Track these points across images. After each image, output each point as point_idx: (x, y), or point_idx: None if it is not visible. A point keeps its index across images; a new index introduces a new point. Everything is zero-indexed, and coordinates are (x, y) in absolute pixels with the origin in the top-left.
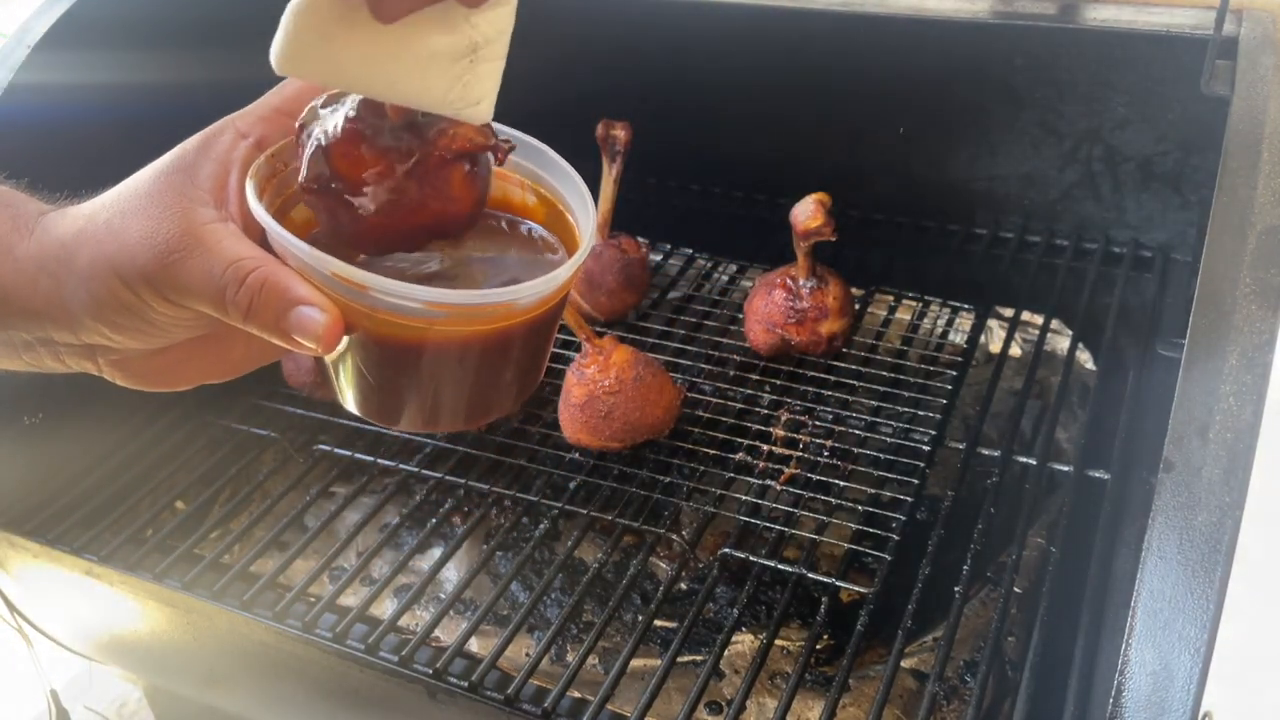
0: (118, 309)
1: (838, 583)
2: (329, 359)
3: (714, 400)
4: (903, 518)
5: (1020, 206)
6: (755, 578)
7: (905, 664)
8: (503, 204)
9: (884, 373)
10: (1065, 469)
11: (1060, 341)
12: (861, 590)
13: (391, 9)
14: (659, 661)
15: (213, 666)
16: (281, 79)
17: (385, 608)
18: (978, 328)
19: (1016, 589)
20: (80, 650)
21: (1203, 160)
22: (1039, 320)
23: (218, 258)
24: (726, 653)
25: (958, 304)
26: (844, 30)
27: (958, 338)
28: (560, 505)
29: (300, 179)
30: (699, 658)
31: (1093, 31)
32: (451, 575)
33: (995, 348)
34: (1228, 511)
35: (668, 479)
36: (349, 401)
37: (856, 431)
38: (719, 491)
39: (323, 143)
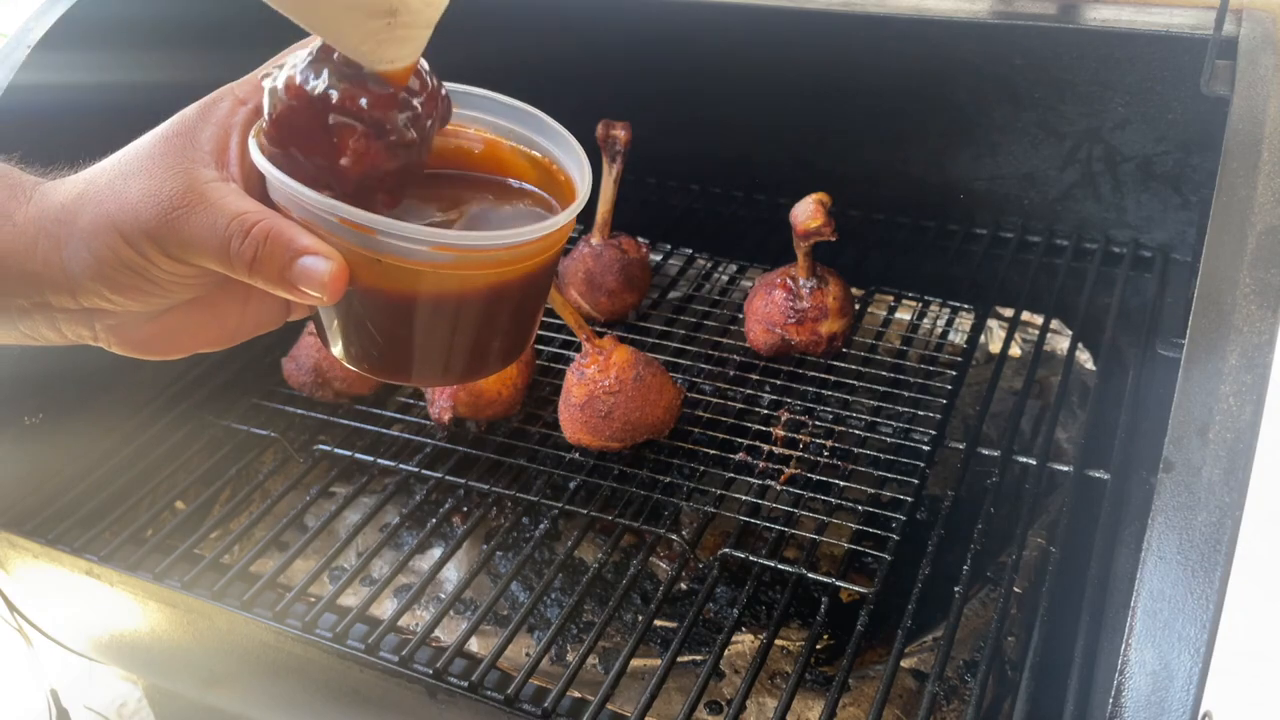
0: (119, 266)
1: (838, 583)
2: (329, 310)
3: (714, 400)
4: (903, 518)
5: (1020, 206)
6: (755, 578)
7: (905, 664)
8: (496, 167)
9: (884, 373)
10: (1065, 469)
11: (1060, 341)
12: (861, 590)
13: None
14: (659, 661)
15: (213, 666)
16: (277, 52)
17: (385, 608)
18: (978, 328)
19: (1016, 589)
20: (80, 650)
21: (1203, 160)
22: (1039, 320)
23: (221, 212)
24: (726, 653)
25: (958, 304)
26: (844, 30)
27: (958, 338)
28: (560, 505)
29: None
30: (699, 658)
31: (1093, 31)
32: (451, 575)
33: (995, 348)
34: (1228, 511)
35: (668, 479)
36: (346, 354)
37: (856, 431)
38: (719, 491)
39: (276, 78)
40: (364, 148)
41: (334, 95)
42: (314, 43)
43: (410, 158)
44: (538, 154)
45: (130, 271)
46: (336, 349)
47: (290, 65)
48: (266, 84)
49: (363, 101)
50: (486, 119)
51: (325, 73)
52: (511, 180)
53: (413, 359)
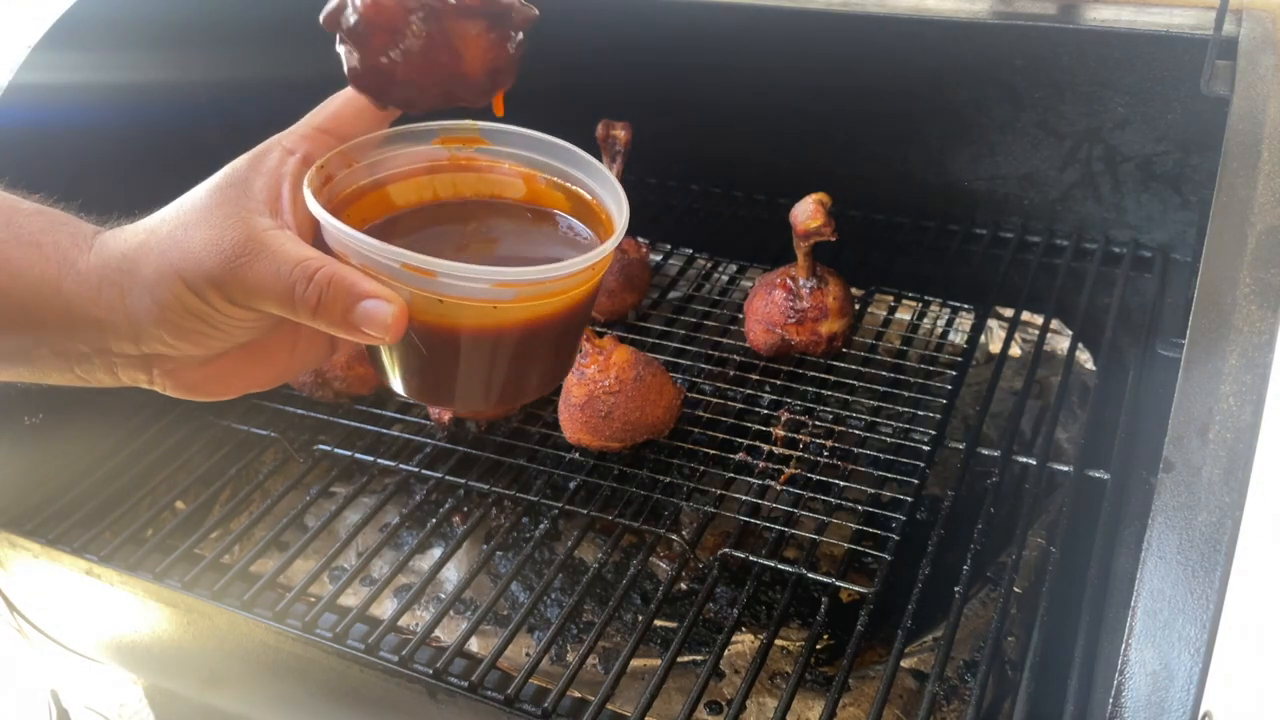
0: (183, 312)
1: (838, 583)
2: (386, 346)
3: (714, 400)
4: (903, 518)
5: (1020, 206)
6: (755, 578)
7: (905, 664)
8: (533, 199)
9: (884, 373)
10: (1065, 469)
11: (1060, 341)
12: (861, 590)
13: None
14: (659, 661)
15: (213, 666)
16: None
17: (385, 608)
18: (978, 328)
19: (1016, 589)
20: (80, 650)
21: (1202, 160)
22: (1039, 320)
23: (284, 259)
24: (726, 653)
25: (958, 304)
26: (844, 30)
27: (958, 338)
28: (560, 505)
29: (329, 20)
30: (699, 658)
31: (1093, 31)
32: (451, 575)
33: (995, 348)
34: (1228, 511)
35: (668, 479)
36: (404, 387)
37: (856, 431)
38: (719, 491)
39: (348, 15)
40: (489, 44)
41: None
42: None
43: (519, 55)
44: (571, 186)
45: (193, 317)
46: (394, 382)
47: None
48: (345, 21)
49: None
50: (521, 154)
51: None
52: (550, 211)
53: (469, 388)
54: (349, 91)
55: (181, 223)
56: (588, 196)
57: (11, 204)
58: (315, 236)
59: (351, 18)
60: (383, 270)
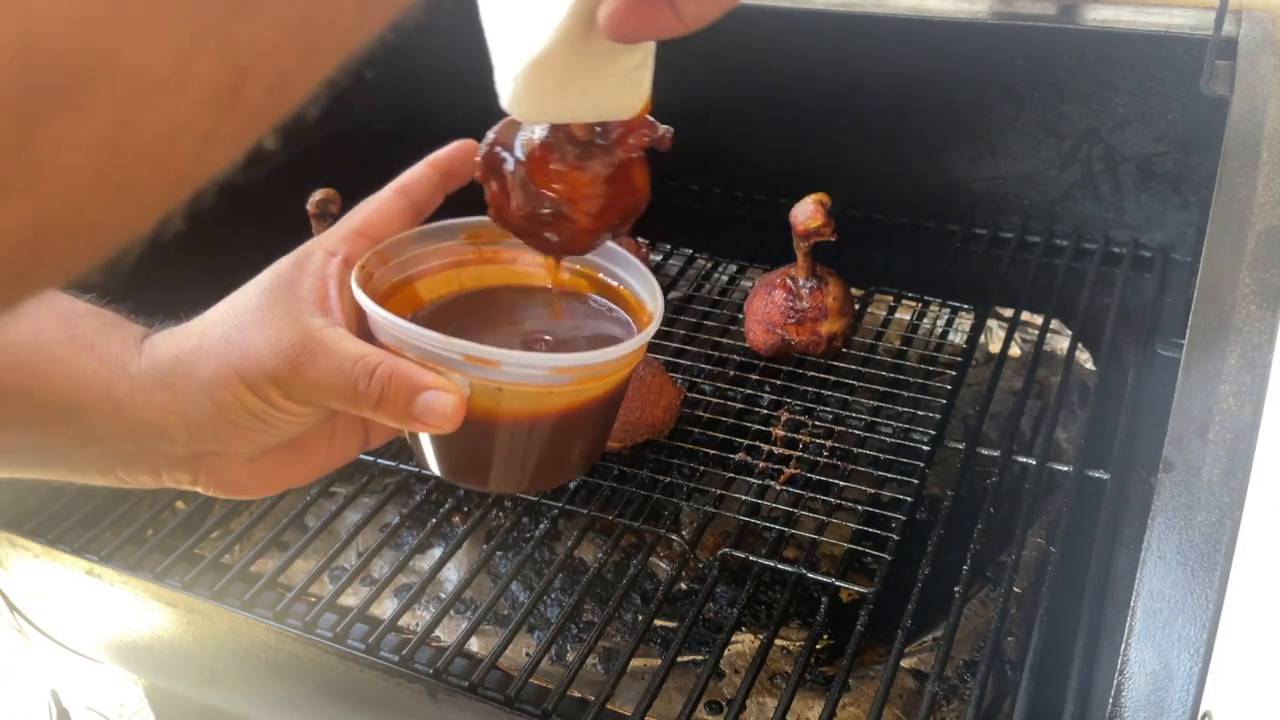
0: (241, 412)
1: (838, 583)
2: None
3: (714, 400)
4: (903, 518)
5: (1020, 206)
6: (755, 578)
7: (905, 664)
8: (557, 285)
9: (884, 373)
10: (1065, 469)
11: (1060, 341)
12: (861, 590)
13: (631, 34)
14: (659, 661)
15: (213, 666)
16: (353, 205)
17: (385, 608)
18: (977, 328)
19: (1016, 589)
20: (80, 650)
21: (1202, 160)
22: (1039, 320)
23: (344, 356)
24: (726, 653)
25: (957, 304)
26: (844, 30)
27: (957, 338)
28: (560, 505)
29: (515, 208)
30: (699, 658)
31: (1093, 31)
32: (451, 575)
33: (995, 348)
34: (1227, 511)
35: (668, 479)
36: (451, 471)
37: (856, 431)
38: (719, 491)
39: (524, 174)
40: (644, 176)
41: (615, 138)
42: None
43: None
44: (597, 272)
45: (251, 416)
46: (440, 468)
47: (527, 144)
48: (505, 169)
49: (645, 134)
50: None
51: (579, 143)
52: (584, 295)
53: (508, 469)
54: (381, 196)
55: (236, 324)
56: (613, 282)
57: (69, 305)
58: (365, 333)
59: (528, 198)
60: (441, 361)
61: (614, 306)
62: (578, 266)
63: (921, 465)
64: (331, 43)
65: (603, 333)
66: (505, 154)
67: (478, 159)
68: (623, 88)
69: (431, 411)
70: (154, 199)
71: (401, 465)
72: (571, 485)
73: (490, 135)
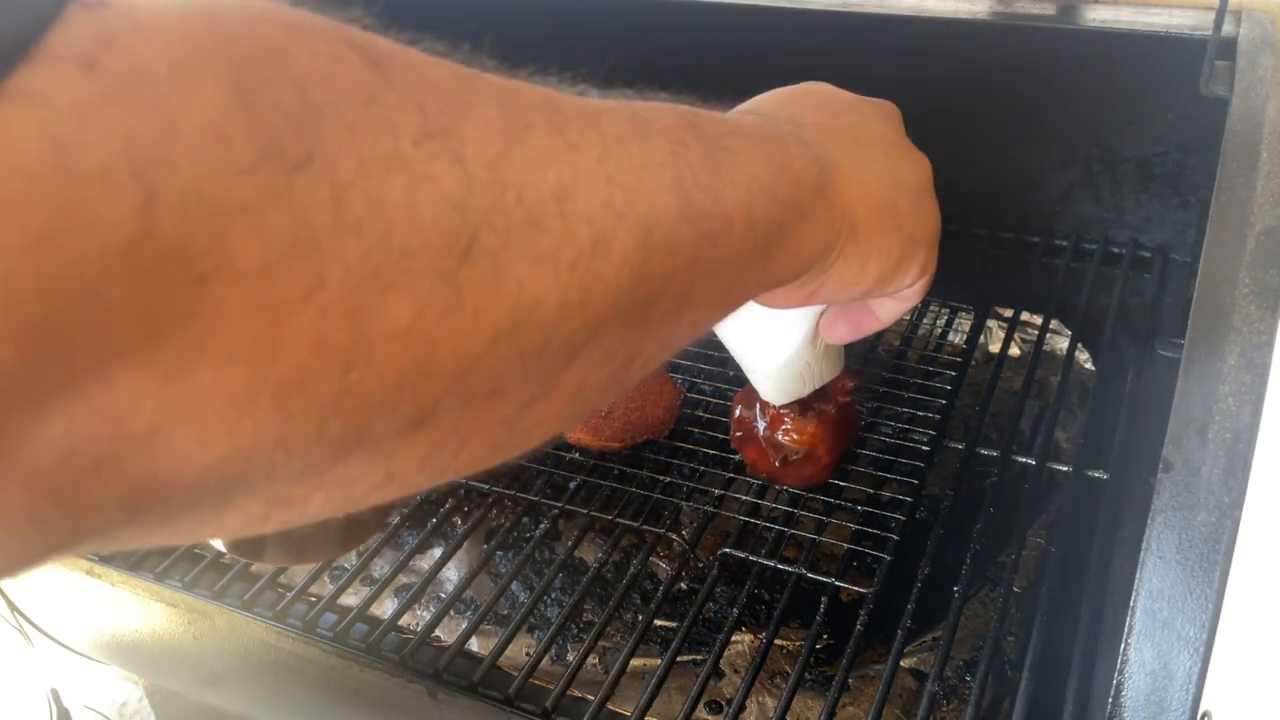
0: None
1: (837, 582)
2: None
3: (714, 400)
4: (902, 518)
5: (1019, 206)
6: (755, 577)
7: (905, 663)
8: None
9: (883, 373)
10: (1064, 469)
11: (1060, 341)
12: (861, 590)
13: (847, 339)
14: (659, 661)
15: (213, 666)
16: None
17: (386, 607)
18: (977, 328)
19: (1016, 589)
20: (80, 650)
21: (1202, 161)
22: (1038, 320)
23: None
24: (726, 652)
25: (957, 304)
26: (844, 30)
27: (957, 338)
28: (560, 505)
29: (774, 461)
30: (699, 657)
31: (1093, 31)
32: (452, 575)
33: (995, 348)
34: (1227, 511)
35: (668, 479)
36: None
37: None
38: (719, 491)
39: (772, 435)
40: (854, 411)
41: (830, 393)
42: None
43: None
44: None
45: None
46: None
47: (766, 410)
48: (757, 434)
49: (849, 385)
50: None
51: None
52: None
53: None
54: None
55: None
56: None
57: None
58: None
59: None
60: None
61: None
62: None
63: (921, 465)
64: None
65: None
66: (755, 424)
67: (736, 434)
68: (833, 364)
69: None
70: None
71: None
72: (571, 485)
73: (736, 412)
